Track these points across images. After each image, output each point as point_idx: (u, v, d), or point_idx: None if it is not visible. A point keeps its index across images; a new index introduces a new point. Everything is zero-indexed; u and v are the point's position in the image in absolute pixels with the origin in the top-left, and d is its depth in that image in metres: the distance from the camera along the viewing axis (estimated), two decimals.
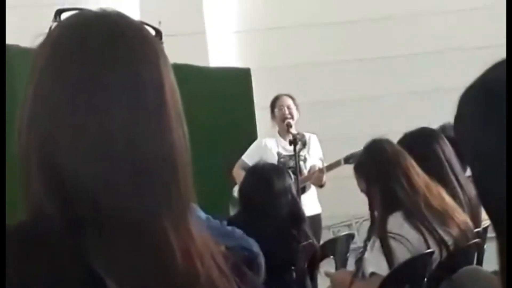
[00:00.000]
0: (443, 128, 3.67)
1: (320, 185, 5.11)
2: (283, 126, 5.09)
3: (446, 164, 3.26)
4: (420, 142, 3.28)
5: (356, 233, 4.72)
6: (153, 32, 1.00)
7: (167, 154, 0.92)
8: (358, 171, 3.20)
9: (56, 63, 0.93)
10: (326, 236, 4.38)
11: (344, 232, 4.49)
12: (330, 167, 5.17)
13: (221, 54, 7.64)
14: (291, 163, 4.91)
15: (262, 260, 2.91)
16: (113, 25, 0.95)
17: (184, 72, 6.19)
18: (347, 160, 4.90)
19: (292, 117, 5.11)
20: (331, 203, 5.45)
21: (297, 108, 5.19)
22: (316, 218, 5.00)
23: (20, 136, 0.93)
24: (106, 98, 0.90)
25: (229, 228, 3.02)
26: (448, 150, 3.29)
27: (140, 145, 0.90)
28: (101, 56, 0.92)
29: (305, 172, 5.06)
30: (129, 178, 0.89)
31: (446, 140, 3.32)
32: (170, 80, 0.96)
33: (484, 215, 3.76)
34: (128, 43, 0.94)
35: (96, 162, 0.89)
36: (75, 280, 0.86)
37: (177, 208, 0.92)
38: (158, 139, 0.92)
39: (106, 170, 0.89)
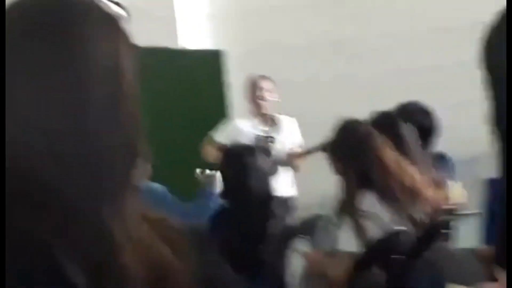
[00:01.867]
0: (403, 109, 3.73)
1: (295, 169, 5.14)
2: (256, 107, 5.10)
3: (410, 145, 3.30)
4: (386, 124, 3.30)
5: (329, 213, 4.73)
6: (116, 9, 0.99)
7: (83, 138, 0.91)
8: (330, 151, 3.21)
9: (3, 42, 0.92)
10: (300, 216, 4.39)
11: (317, 212, 4.49)
12: (305, 153, 5.20)
13: (195, 37, 7.60)
14: (264, 144, 4.93)
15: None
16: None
17: (155, 54, 6.19)
18: (323, 147, 4.90)
19: (264, 99, 5.12)
20: (305, 184, 5.47)
21: (272, 90, 5.19)
22: (290, 200, 5.03)
23: None
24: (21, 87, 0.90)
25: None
26: (409, 133, 3.33)
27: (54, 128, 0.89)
28: (41, 31, 0.91)
29: (276, 153, 5.08)
30: (55, 157, 0.89)
31: (405, 123, 3.36)
32: (104, 61, 0.93)
33: (452, 194, 3.82)
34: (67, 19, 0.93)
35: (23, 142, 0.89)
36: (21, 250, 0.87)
37: (103, 191, 0.92)
38: (73, 125, 0.90)
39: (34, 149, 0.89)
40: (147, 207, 1.00)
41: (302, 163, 5.16)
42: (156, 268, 0.93)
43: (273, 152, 5.01)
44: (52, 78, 0.90)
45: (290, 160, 5.07)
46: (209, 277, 1.02)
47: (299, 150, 5.15)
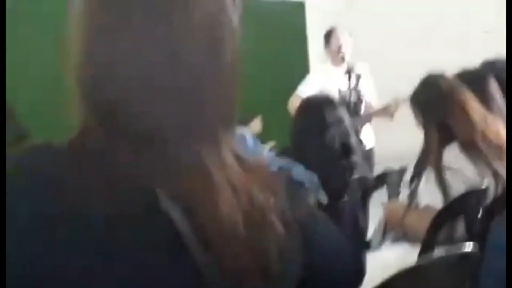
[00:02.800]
0: (490, 65, 3.63)
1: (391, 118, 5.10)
2: (338, 57, 5.07)
3: (497, 102, 3.24)
4: (471, 80, 3.24)
5: (409, 166, 4.71)
6: None
7: (194, 78, 0.93)
8: (414, 105, 3.18)
9: None
10: (379, 170, 4.38)
11: (399, 165, 4.47)
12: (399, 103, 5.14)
13: None
14: (350, 96, 4.91)
15: (312, 194, 2.94)
16: None
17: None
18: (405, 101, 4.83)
19: (346, 49, 5.09)
20: (385, 138, 5.43)
21: (350, 43, 5.16)
22: (369, 152, 5.01)
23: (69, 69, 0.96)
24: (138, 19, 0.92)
25: (286, 160, 3.05)
26: (494, 88, 3.26)
27: (167, 70, 0.92)
28: None
29: (362, 107, 5.05)
30: (155, 101, 0.92)
31: (492, 79, 3.29)
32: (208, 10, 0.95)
33: None
34: None
35: (134, 91, 0.92)
36: (128, 192, 0.90)
37: (208, 131, 0.94)
38: (183, 65, 0.93)
39: (135, 92, 0.92)
40: (243, 152, 1.02)
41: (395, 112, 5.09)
42: (252, 213, 0.95)
43: (356, 105, 4.98)
44: (160, 21, 0.93)
45: (389, 111, 5.02)
46: (305, 226, 1.04)
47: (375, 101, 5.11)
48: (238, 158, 0.99)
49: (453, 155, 2.91)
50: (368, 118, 5.07)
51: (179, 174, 0.92)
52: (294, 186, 1.09)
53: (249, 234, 0.93)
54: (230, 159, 0.97)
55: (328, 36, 5.23)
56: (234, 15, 0.99)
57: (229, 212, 0.92)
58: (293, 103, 5.06)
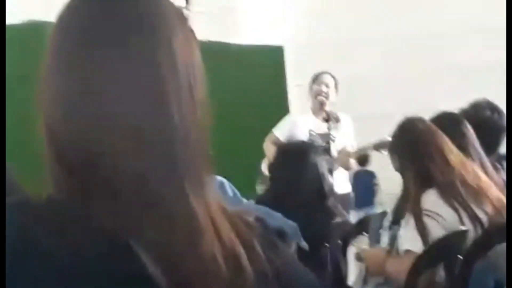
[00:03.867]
0: (466, 112, 3.66)
1: (347, 168, 5.11)
2: (317, 102, 5.08)
3: (474, 145, 3.25)
4: (448, 124, 3.25)
5: (388, 211, 4.72)
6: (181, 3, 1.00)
7: (166, 127, 0.92)
8: (392, 149, 3.19)
9: (56, 38, 0.94)
10: (357, 214, 4.38)
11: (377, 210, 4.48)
12: (358, 153, 5.18)
13: (253, 31, 7.61)
14: (321, 142, 4.91)
15: (293, 243, 2.92)
16: None
17: (214, 49, 6.22)
18: (376, 147, 4.85)
19: (327, 96, 5.10)
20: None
21: (336, 88, 5.18)
22: (346, 197, 5.00)
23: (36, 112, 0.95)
24: (101, 75, 0.91)
25: (265, 208, 3.03)
26: (472, 134, 3.28)
27: (138, 116, 0.91)
28: (98, 25, 0.93)
29: (334, 153, 5.06)
30: (132, 147, 0.90)
31: (469, 125, 3.31)
32: (172, 51, 0.95)
33: None
34: (127, 13, 0.94)
35: (89, 136, 0.90)
36: (101, 250, 0.88)
37: (182, 179, 0.92)
38: (156, 115, 0.92)
39: (109, 139, 0.90)
40: (220, 199, 1.01)
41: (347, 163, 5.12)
42: (232, 261, 0.94)
43: (332, 150, 4.98)
44: (136, 63, 0.92)
45: (343, 161, 5.03)
46: (283, 275, 1.02)
47: (351, 148, 5.13)
48: (219, 204, 0.98)
49: (432, 199, 2.90)
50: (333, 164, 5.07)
51: (161, 219, 0.90)
52: (272, 235, 1.07)
53: (224, 275, 0.92)
54: (214, 203, 0.95)
55: (313, 80, 5.24)
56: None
57: (212, 256, 0.91)
58: (268, 143, 5.05)
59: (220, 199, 1.00)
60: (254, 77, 6.62)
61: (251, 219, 1.05)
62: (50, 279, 0.86)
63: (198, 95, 0.97)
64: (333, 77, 5.22)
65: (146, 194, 0.91)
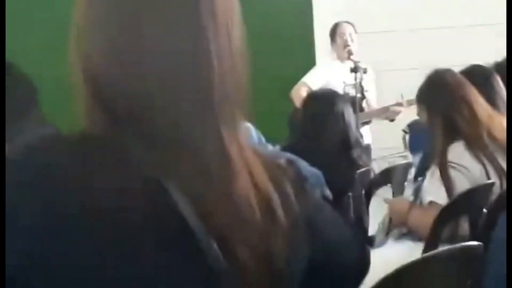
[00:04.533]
0: (498, 66, 3.61)
1: (392, 120, 5.08)
2: (344, 53, 5.05)
3: (501, 100, 3.23)
4: (478, 77, 3.23)
5: (413, 163, 4.71)
6: None
7: (203, 65, 0.93)
8: (420, 101, 3.17)
9: None
10: (382, 166, 4.36)
11: (400, 162, 4.46)
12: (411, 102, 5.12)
13: None
14: (353, 92, 4.89)
15: (317, 191, 2.94)
16: None
17: None
18: (410, 103, 4.80)
19: (350, 45, 5.07)
20: (387, 134, 5.42)
21: (356, 37, 5.15)
22: (368, 147, 5.00)
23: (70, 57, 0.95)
24: (142, 15, 0.92)
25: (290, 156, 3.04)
26: (501, 88, 3.25)
27: (175, 57, 0.92)
28: None
29: (367, 103, 5.04)
30: (167, 91, 0.91)
31: (499, 78, 3.28)
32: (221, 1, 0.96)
33: None
34: None
35: (136, 77, 0.91)
36: (137, 183, 0.89)
37: (217, 121, 0.93)
38: (193, 50, 0.93)
39: (145, 84, 0.91)
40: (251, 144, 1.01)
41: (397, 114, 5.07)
42: (265, 205, 0.95)
43: (361, 100, 4.96)
44: (177, 9, 0.93)
45: (394, 111, 5.00)
46: (310, 215, 1.03)
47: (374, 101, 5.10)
48: (252, 147, 0.99)
49: (458, 151, 2.89)
50: (369, 116, 5.04)
51: (195, 162, 0.91)
52: (301, 178, 1.08)
53: (259, 221, 0.93)
54: (247, 146, 0.97)
55: (333, 31, 5.21)
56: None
57: (247, 200, 0.92)
58: (297, 91, 5.03)
59: (249, 141, 1.01)
60: (281, 25, 6.57)
61: (282, 162, 1.06)
62: (80, 213, 0.87)
63: (236, 41, 0.97)
64: (352, 25, 5.19)
65: (181, 136, 0.91)
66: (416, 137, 4.30)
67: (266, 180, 0.97)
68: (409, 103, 4.75)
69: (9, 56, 1.71)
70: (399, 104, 4.95)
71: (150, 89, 0.91)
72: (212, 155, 0.92)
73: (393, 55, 7.12)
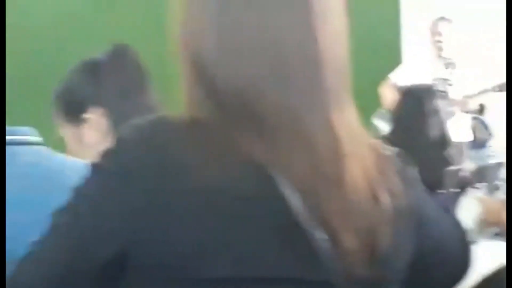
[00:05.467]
0: None
1: (467, 111, 5.00)
2: (434, 49, 4.98)
3: None
4: None
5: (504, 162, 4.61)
6: None
7: (311, 50, 0.93)
8: None
9: None
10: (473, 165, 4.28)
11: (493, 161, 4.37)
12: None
13: None
14: (443, 88, 4.81)
15: None
16: None
17: None
18: (496, 89, 4.72)
19: (444, 43, 4.99)
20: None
21: (451, 33, 5.06)
22: (461, 145, 4.91)
23: (174, 42, 0.96)
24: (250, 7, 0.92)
25: None
26: None
27: (283, 43, 0.92)
28: None
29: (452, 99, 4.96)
30: (276, 78, 0.91)
31: None
32: None
33: None
34: None
35: (244, 63, 0.91)
36: (240, 171, 0.89)
37: (327, 104, 0.93)
38: (301, 36, 0.93)
39: (254, 71, 0.91)
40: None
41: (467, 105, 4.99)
42: (371, 190, 0.94)
43: (450, 96, 4.89)
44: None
45: (460, 103, 4.92)
46: (418, 212, 1.01)
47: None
48: (361, 130, 0.98)
49: None
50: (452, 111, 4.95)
51: (304, 144, 0.91)
52: (407, 170, 1.07)
53: (366, 207, 0.92)
54: (356, 129, 0.96)
55: (431, 26, 5.14)
56: None
57: (354, 180, 0.91)
58: (385, 88, 4.99)
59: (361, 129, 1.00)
60: (368, 22, 6.52)
61: (389, 152, 1.05)
62: (187, 195, 0.88)
63: (341, 26, 0.97)
64: (448, 21, 5.10)
65: (290, 123, 0.91)
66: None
67: (374, 167, 0.96)
68: (498, 88, 4.67)
69: (116, 37, 1.74)
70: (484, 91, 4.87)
71: (258, 75, 0.91)
72: (322, 139, 0.92)
73: (485, 50, 6.97)
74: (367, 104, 4.79)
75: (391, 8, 6.86)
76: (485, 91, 4.99)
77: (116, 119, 1.53)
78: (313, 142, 0.92)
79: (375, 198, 0.95)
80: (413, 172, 1.09)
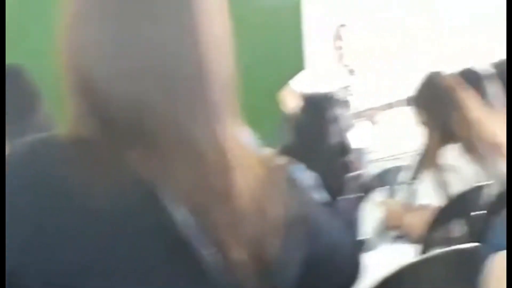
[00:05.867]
0: (493, 67, 3.62)
1: (374, 122, 5.09)
2: (335, 56, 5.05)
3: (495, 101, 3.25)
4: (471, 79, 3.24)
5: (406, 165, 4.73)
6: None
7: (196, 63, 0.92)
8: (415, 104, 3.17)
9: None
10: (375, 169, 4.37)
11: (393, 165, 4.47)
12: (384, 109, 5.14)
13: None
14: (343, 95, 4.89)
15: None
16: None
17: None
18: (396, 105, 4.81)
19: (344, 49, 5.06)
20: (380, 137, 5.42)
21: (351, 39, 5.14)
22: (362, 151, 5.00)
23: (58, 58, 0.94)
24: (137, 12, 0.91)
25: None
26: (496, 90, 3.27)
27: (169, 56, 0.91)
28: None
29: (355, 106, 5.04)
30: (162, 92, 0.90)
31: (493, 81, 3.29)
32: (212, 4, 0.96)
33: None
34: None
35: (128, 78, 0.90)
36: (127, 188, 0.88)
37: (214, 117, 0.93)
38: (186, 50, 0.92)
39: (139, 86, 0.90)
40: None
41: (381, 116, 5.10)
42: (260, 203, 0.94)
43: (352, 104, 4.97)
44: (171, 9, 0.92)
45: (370, 113, 5.01)
46: (310, 221, 1.02)
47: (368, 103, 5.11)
48: (248, 145, 0.98)
49: (452, 154, 2.90)
50: (353, 118, 5.03)
51: (190, 157, 0.90)
52: (296, 180, 1.07)
53: (255, 219, 0.92)
54: (243, 143, 0.96)
55: (334, 33, 5.20)
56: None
57: (241, 192, 0.91)
58: (286, 95, 5.03)
59: (248, 142, 1.00)
60: (270, 28, 6.58)
61: (278, 162, 1.06)
62: (71, 218, 0.86)
63: (225, 38, 0.97)
64: (350, 29, 5.19)
65: (176, 136, 0.91)
66: None
67: (263, 178, 0.96)
68: (390, 106, 4.77)
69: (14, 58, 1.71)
70: (381, 107, 4.97)
71: (145, 90, 0.90)
72: (209, 152, 0.91)
73: (385, 57, 7.14)
74: (270, 111, 4.84)
75: (293, 16, 6.95)
76: (380, 108, 5.08)
77: (11, 138, 1.51)
78: (200, 155, 0.91)
79: (263, 210, 0.95)
80: (306, 181, 1.10)
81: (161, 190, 0.88)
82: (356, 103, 5.05)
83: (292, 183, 1.03)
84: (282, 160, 1.08)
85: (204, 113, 0.92)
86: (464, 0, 7.31)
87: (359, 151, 4.91)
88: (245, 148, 0.98)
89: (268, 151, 2.98)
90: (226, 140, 0.93)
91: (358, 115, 5.03)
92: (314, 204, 1.14)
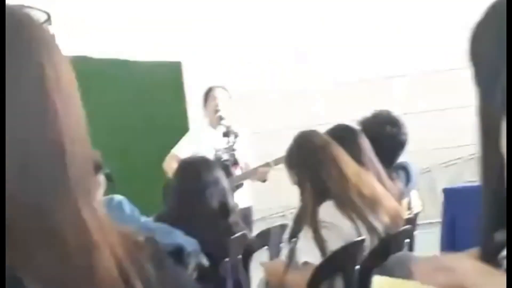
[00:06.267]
0: (364, 124, 3.73)
1: (264, 180, 5.09)
2: (215, 118, 5.07)
3: (369, 156, 3.34)
4: (343, 136, 3.32)
5: (289, 224, 4.76)
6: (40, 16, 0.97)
7: (53, 144, 0.90)
8: (288, 163, 3.21)
9: None
10: (261, 227, 4.38)
11: (279, 223, 4.49)
12: (278, 161, 5.17)
13: (152, 47, 7.57)
14: (225, 157, 4.90)
15: (192, 259, 2.94)
16: None
17: (113, 66, 6.17)
18: (277, 162, 4.83)
19: (222, 111, 5.08)
20: (265, 195, 5.46)
21: (229, 101, 5.18)
22: (247, 211, 5.00)
23: None
24: None
25: (164, 226, 3.02)
26: (367, 146, 3.37)
27: (22, 139, 0.88)
28: None
29: (238, 167, 5.05)
30: (21, 175, 0.87)
31: (364, 137, 3.40)
32: (55, 69, 0.92)
33: (413, 203, 3.84)
34: None
35: None
36: None
37: (74, 195, 0.90)
38: (41, 131, 0.89)
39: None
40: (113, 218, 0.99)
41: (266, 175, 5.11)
42: (123, 279, 0.92)
43: (233, 165, 4.98)
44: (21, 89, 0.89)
45: (263, 172, 5.02)
46: None
47: (252, 162, 5.13)
48: (109, 221, 0.96)
49: (328, 211, 2.94)
50: (239, 179, 5.04)
51: (53, 239, 0.87)
52: (160, 255, 1.06)
53: None
54: (105, 219, 0.94)
55: (206, 95, 5.22)
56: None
57: (107, 269, 0.89)
58: (168, 162, 5.01)
59: (109, 217, 0.98)
60: (153, 93, 6.59)
61: (141, 238, 1.04)
62: None
63: (80, 111, 0.95)
64: (225, 89, 5.23)
65: (37, 221, 0.88)
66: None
67: (126, 255, 0.95)
68: (276, 162, 4.80)
69: None
70: (267, 165, 4.99)
71: (8, 178, 0.88)
72: (70, 233, 0.89)
73: (268, 116, 7.26)
74: (155, 178, 4.80)
75: (175, 82, 6.99)
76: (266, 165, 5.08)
77: None
78: (62, 237, 0.89)
79: (129, 286, 0.93)
80: (167, 255, 1.08)
81: (22, 276, 0.85)
82: (243, 162, 5.07)
83: (155, 257, 1.01)
84: (146, 236, 1.06)
85: (64, 192, 0.90)
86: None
87: (246, 210, 4.92)
88: (107, 224, 0.96)
89: (143, 222, 2.93)
90: (88, 217, 0.91)
91: (248, 174, 5.05)
92: (177, 276, 1.12)
